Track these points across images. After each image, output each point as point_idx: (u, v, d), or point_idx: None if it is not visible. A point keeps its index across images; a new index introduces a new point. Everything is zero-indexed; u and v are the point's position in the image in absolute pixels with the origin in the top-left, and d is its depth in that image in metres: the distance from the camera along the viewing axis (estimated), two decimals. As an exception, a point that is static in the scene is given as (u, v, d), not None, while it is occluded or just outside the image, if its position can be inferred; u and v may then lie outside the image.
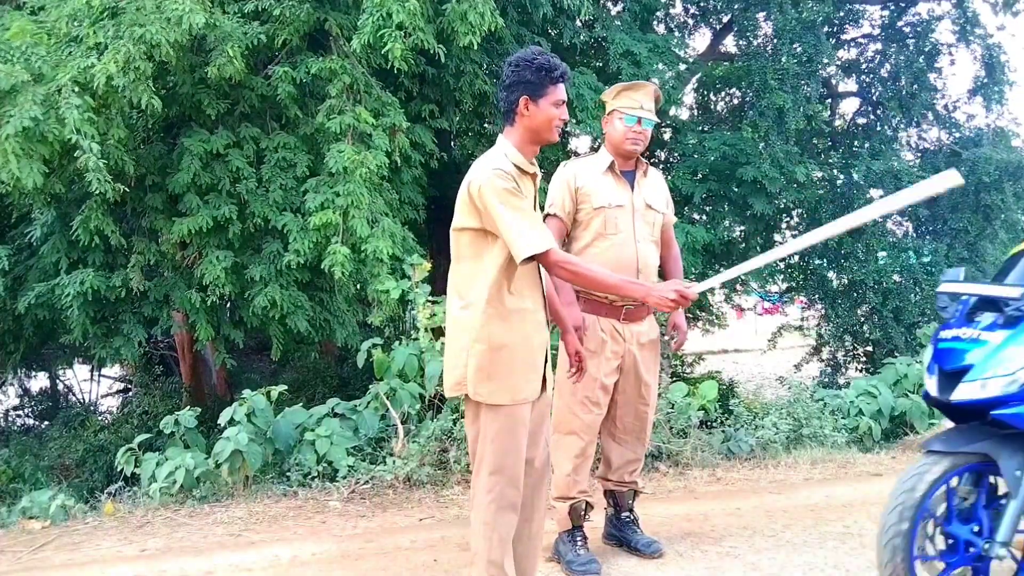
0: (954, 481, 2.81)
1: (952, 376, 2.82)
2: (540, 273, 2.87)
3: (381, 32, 6.19)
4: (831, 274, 11.71)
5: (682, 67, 10.86)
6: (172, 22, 5.68)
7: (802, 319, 13.06)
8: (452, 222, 2.84)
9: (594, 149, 9.96)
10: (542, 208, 3.38)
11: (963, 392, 2.77)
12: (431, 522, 4.55)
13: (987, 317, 2.86)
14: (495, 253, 2.72)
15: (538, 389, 2.84)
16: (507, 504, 2.78)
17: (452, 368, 2.81)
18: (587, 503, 3.74)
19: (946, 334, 2.95)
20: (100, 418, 12.07)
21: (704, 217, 10.91)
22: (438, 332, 5.63)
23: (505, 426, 2.75)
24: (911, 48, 11.52)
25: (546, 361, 2.89)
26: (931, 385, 2.91)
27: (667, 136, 11.46)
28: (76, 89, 5.52)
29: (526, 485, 2.91)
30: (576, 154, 10.98)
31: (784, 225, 12.16)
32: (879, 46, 12.14)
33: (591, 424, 3.64)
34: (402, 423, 5.40)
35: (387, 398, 5.46)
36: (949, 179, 2.64)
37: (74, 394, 14.58)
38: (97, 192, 5.71)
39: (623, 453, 3.79)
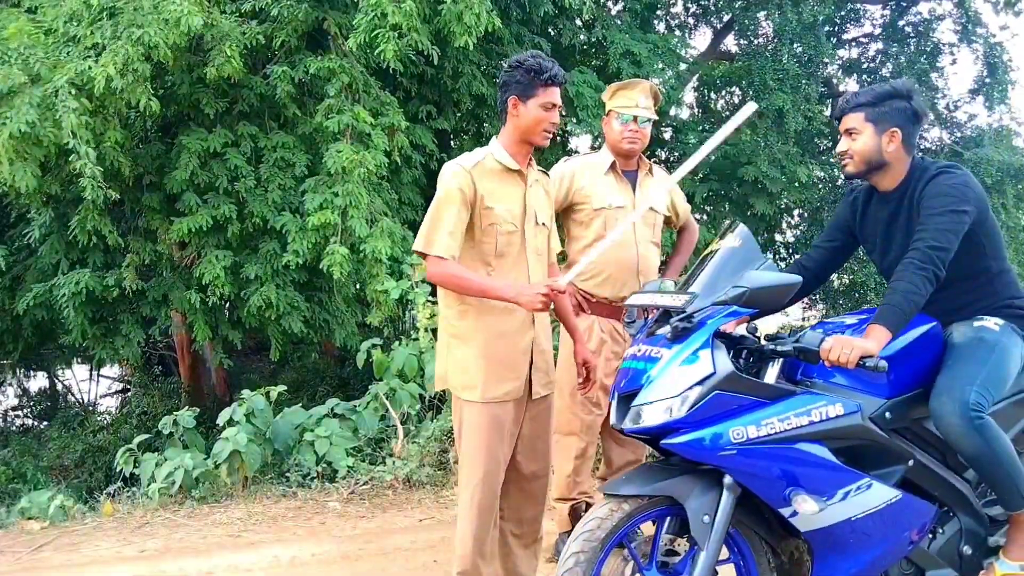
0: (645, 527, 2.37)
1: (629, 400, 2.36)
2: (527, 274, 2.83)
3: (376, 32, 6.18)
4: (832, 274, 11.69)
5: (682, 67, 10.86)
6: (170, 23, 5.67)
7: (803, 319, 13.07)
8: None
9: (595, 148, 9.96)
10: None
11: (633, 418, 2.33)
12: (431, 523, 4.53)
13: (665, 330, 2.40)
14: (469, 250, 2.76)
15: (519, 389, 2.79)
16: (480, 501, 2.73)
17: (438, 362, 2.89)
18: (587, 503, 3.72)
19: (628, 352, 2.52)
20: (99, 418, 12.07)
21: (705, 217, 10.91)
22: (438, 332, 5.61)
23: (475, 422, 2.74)
24: (912, 47, 11.52)
25: (532, 363, 2.83)
26: (612, 411, 2.45)
27: (668, 136, 11.46)
28: (73, 91, 5.51)
29: (519, 489, 2.89)
30: (576, 152, 10.96)
31: (785, 224, 12.16)
32: (880, 45, 12.15)
33: (591, 425, 3.62)
34: (402, 423, 5.39)
35: (387, 398, 5.45)
36: (748, 109, 2.59)
37: (73, 394, 14.57)
38: (91, 198, 5.71)
39: (623, 454, 3.77)
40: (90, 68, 5.56)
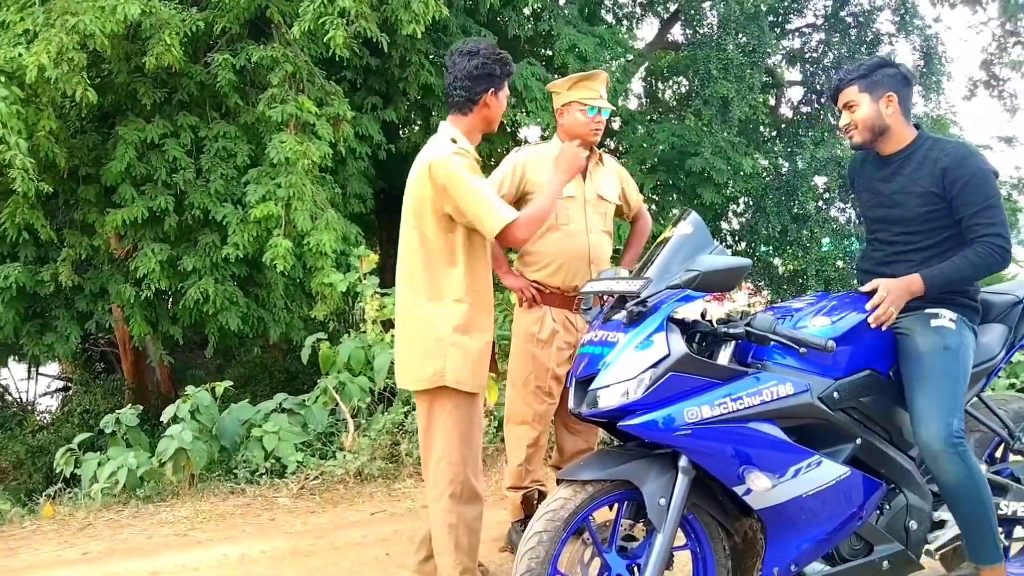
0: (603, 514, 2.38)
1: (587, 385, 2.39)
2: (487, 263, 2.92)
3: (323, 19, 6.07)
4: (776, 260, 11.91)
5: (629, 57, 10.92)
6: (106, 11, 5.49)
7: (749, 305, 13.26)
8: (404, 209, 2.82)
9: (544, 138, 9.96)
10: None
11: (590, 402, 2.36)
12: (383, 516, 4.50)
13: (621, 315, 2.43)
14: (464, 241, 2.75)
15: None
16: (471, 494, 2.78)
17: (428, 359, 2.75)
18: (540, 492, 3.73)
19: (584, 337, 2.55)
20: (39, 418, 11.76)
21: (654, 207, 11.01)
22: (388, 324, 5.56)
23: (468, 415, 2.80)
24: (853, 38, 11.77)
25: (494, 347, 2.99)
26: (570, 397, 2.49)
27: (616, 126, 11.53)
28: (3, 79, 5.32)
29: None
30: (527, 142, 10.96)
31: (731, 213, 12.34)
32: (822, 36, 12.38)
33: (544, 414, 3.62)
34: (352, 417, 5.33)
35: (336, 392, 5.38)
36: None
37: (10, 393, 14.14)
38: (21, 191, 5.52)
39: (576, 442, 3.78)
40: (21, 56, 5.36)
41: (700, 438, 2.28)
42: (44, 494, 5.23)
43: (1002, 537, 2.66)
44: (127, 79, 6.47)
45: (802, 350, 2.34)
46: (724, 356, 2.41)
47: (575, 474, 2.37)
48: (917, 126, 2.80)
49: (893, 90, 2.71)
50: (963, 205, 2.61)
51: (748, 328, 2.35)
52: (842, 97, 2.78)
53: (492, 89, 2.82)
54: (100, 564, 3.91)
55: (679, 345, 2.32)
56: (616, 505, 2.40)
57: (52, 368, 14.00)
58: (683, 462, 2.32)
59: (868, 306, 2.57)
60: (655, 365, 2.29)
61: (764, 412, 2.34)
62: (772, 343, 2.35)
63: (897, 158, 2.77)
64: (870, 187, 2.86)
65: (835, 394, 2.48)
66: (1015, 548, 3.04)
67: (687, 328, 2.43)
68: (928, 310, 2.65)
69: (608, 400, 2.32)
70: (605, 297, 2.63)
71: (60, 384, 14.30)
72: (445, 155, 2.71)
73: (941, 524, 2.72)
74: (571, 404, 2.46)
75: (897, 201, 2.74)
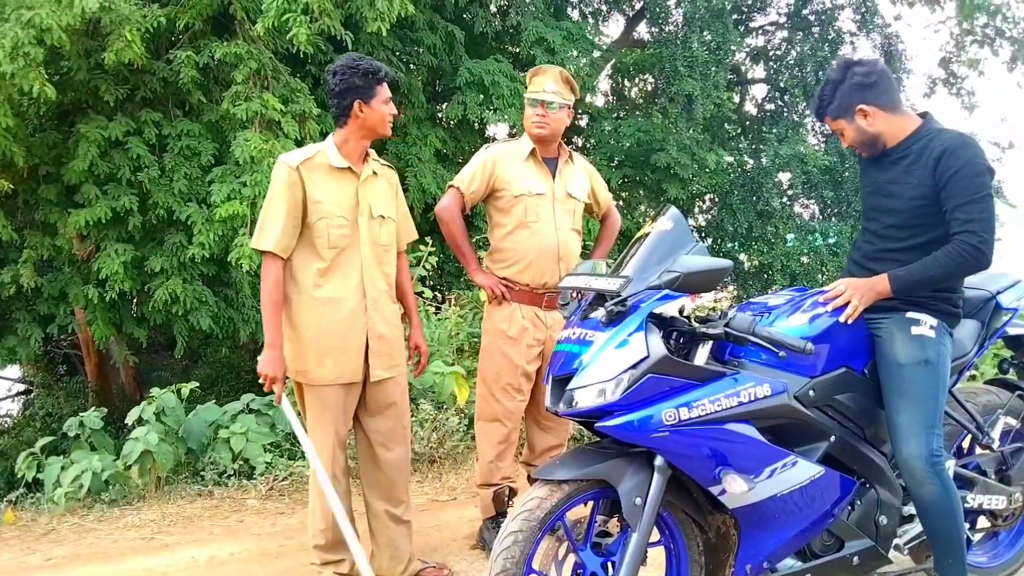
0: (576, 511, 2.38)
1: (563, 383, 2.38)
2: (361, 265, 3.02)
3: (286, 16, 6.01)
4: (742, 256, 12.02)
5: (596, 54, 10.96)
6: (63, 5, 5.39)
7: (715, 300, 13.37)
8: None
9: (513, 135, 9.96)
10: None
11: (567, 401, 2.35)
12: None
13: (599, 313, 2.41)
14: (304, 243, 2.96)
15: (355, 372, 3.03)
16: (321, 480, 2.99)
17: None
18: (510, 488, 3.74)
19: (562, 334, 2.53)
20: (-2, 422, 11.50)
21: (620, 203, 11.06)
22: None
23: (310, 404, 3.07)
24: (816, 36, 11.91)
25: (368, 349, 3.05)
26: (546, 395, 2.47)
27: (583, 123, 11.56)
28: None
29: (377, 467, 3.28)
30: (495, 139, 10.95)
31: (697, 209, 12.43)
32: (785, 34, 12.52)
33: (514, 411, 3.63)
34: (321, 416, 5.29)
35: (305, 392, 5.33)
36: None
37: (-31, 398, 13.83)
38: None
39: (546, 439, 3.80)
40: (-26, 51, 5.25)
41: (677, 440, 2.28)
42: (5, 499, 5.12)
43: (967, 528, 2.69)
44: (87, 76, 6.35)
45: (781, 353, 2.32)
46: (702, 355, 2.40)
47: (550, 473, 2.36)
48: (924, 114, 2.69)
49: (860, 101, 2.61)
50: (948, 197, 2.51)
51: (727, 329, 2.35)
52: (829, 126, 2.75)
53: (359, 100, 2.94)
54: (64, 570, 3.85)
55: (658, 347, 2.30)
56: (591, 502, 2.40)
57: (12, 371, 13.70)
58: (659, 461, 2.32)
59: (830, 306, 2.55)
60: (634, 367, 2.27)
61: (741, 413, 2.34)
62: (749, 344, 2.35)
63: (898, 150, 2.67)
64: (869, 173, 2.80)
65: (811, 392, 2.49)
66: (977, 537, 3.10)
67: (664, 324, 2.43)
68: (909, 314, 2.60)
69: (585, 400, 2.31)
70: (582, 292, 2.61)
71: (21, 387, 14.00)
72: (277, 163, 2.96)
73: (910, 518, 2.75)
74: (547, 402, 2.45)
75: (890, 191, 2.67)
